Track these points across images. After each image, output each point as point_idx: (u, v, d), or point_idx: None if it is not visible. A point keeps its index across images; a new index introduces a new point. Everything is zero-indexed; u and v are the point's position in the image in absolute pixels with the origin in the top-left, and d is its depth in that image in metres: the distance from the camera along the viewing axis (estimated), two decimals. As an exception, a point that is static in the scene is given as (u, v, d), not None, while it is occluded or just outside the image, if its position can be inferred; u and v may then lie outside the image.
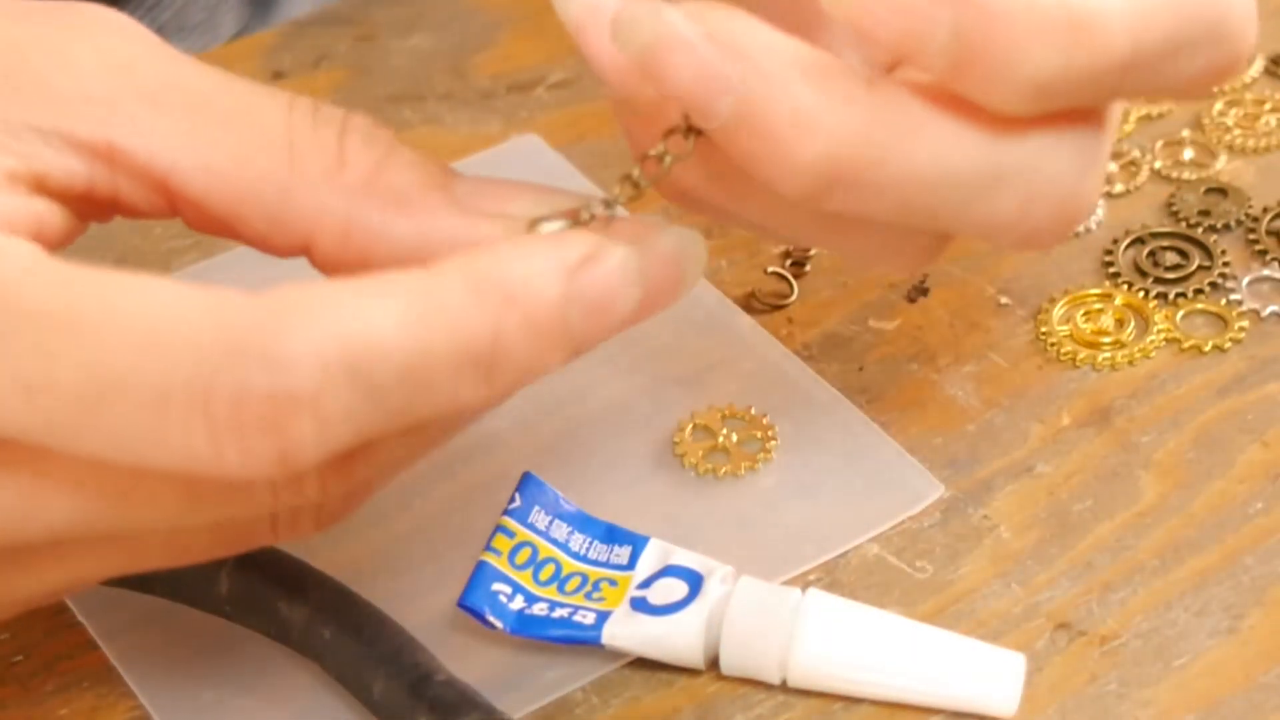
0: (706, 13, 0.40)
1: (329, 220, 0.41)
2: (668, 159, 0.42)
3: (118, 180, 0.41)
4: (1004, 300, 0.57)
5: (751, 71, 0.40)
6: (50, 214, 0.41)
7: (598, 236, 0.39)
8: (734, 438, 0.53)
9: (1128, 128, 0.62)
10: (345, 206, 0.40)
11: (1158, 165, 0.61)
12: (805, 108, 0.40)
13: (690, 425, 0.53)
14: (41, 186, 0.40)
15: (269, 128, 0.41)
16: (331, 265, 0.42)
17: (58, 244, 0.42)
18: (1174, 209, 0.59)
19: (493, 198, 0.42)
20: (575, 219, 0.42)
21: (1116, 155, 0.61)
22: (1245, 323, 0.56)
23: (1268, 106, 0.63)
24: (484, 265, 0.37)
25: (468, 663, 0.47)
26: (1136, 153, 0.61)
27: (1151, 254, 0.58)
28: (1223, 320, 0.56)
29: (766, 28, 0.40)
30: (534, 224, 0.41)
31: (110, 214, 0.43)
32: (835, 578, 0.50)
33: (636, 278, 0.39)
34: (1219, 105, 0.63)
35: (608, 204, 0.42)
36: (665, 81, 0.40)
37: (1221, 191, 0.60)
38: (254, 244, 0.42)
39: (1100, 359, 0.55)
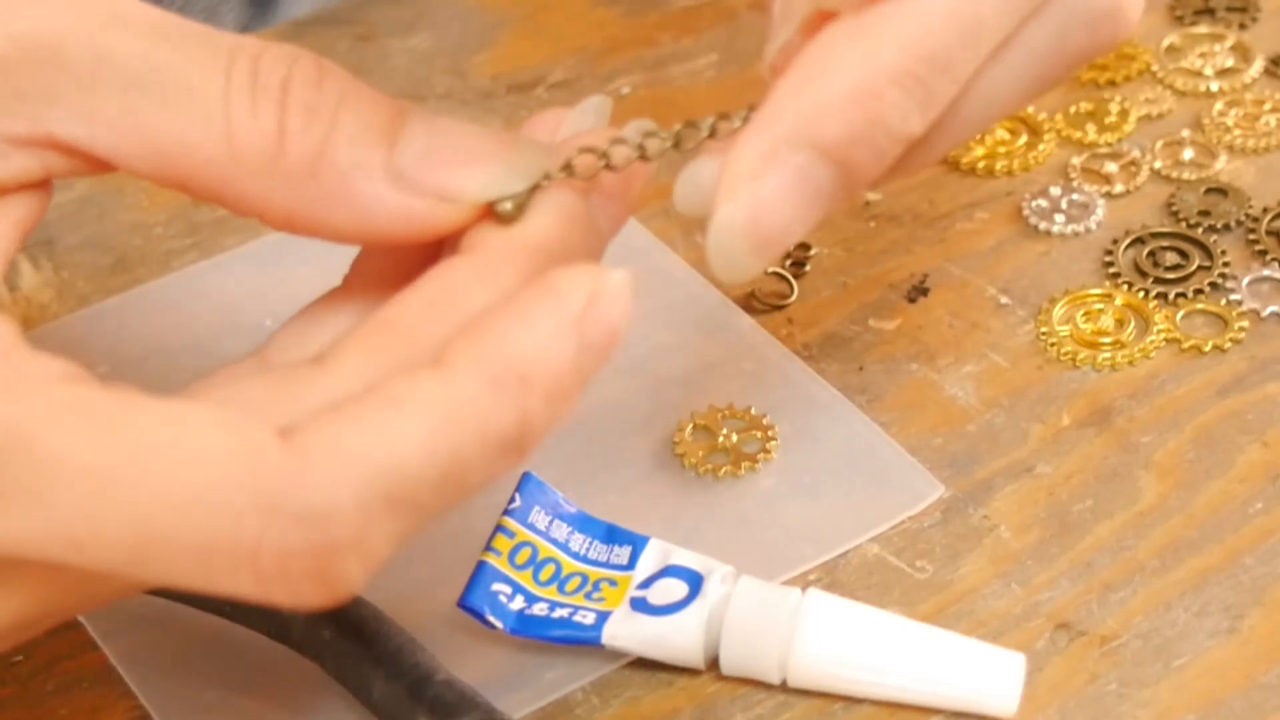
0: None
1: (271, 205, 0.40)
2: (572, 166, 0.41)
3: (73, 164, 0.41)
4: (1004, 300, 0.57)
5: (831, 128, 0.40)
6: (20, 206, 0.40)
7: (593, 268, 0.38)
8: (734, 438, 0.53)
9: (1128, 127, 0.62)
10: (284, 196, 0.40)
11: (1158, 165, 0.61)
12: (894, 98, 0.40)
13: (690, 425, 0.53)
14: (2, 190, 0.40)
15: (207, 109, 0.39)
16: (283, 231, 0.41)
17: (40, 216, 0.41)
18: (1174, 209, 0.59)
19: (443, 165, 0.40)
20: (538, 186, 0.41)
21: (1116, 155, 0.61)
22: (1245, 323, 0.56)
23: (1268, 106, 0.63)
24: (494, 351, 0.37)
25: (468, 663, 0.47)
26: (1136, 153, 0.61)
27: (1151, 254, 0.58)
28: (1223, 320, 0.56)
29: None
30: (494, 204, 0.40)
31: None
32: (835, 578, 0.50)
33: (632, 292, 0.39)
34: (1219, 105, 0.63)
35: (567, 168, 0.41)
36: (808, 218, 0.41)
37: (1221, 191, 0.60)
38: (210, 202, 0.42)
39: (1100, 359, 0.55)
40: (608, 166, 0.41)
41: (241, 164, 0.39)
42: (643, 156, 0.42)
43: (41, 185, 0.41)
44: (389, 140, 0.40)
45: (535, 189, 0.40)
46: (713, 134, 0.42)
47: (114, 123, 0.39)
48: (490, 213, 0.40)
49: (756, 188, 0.40)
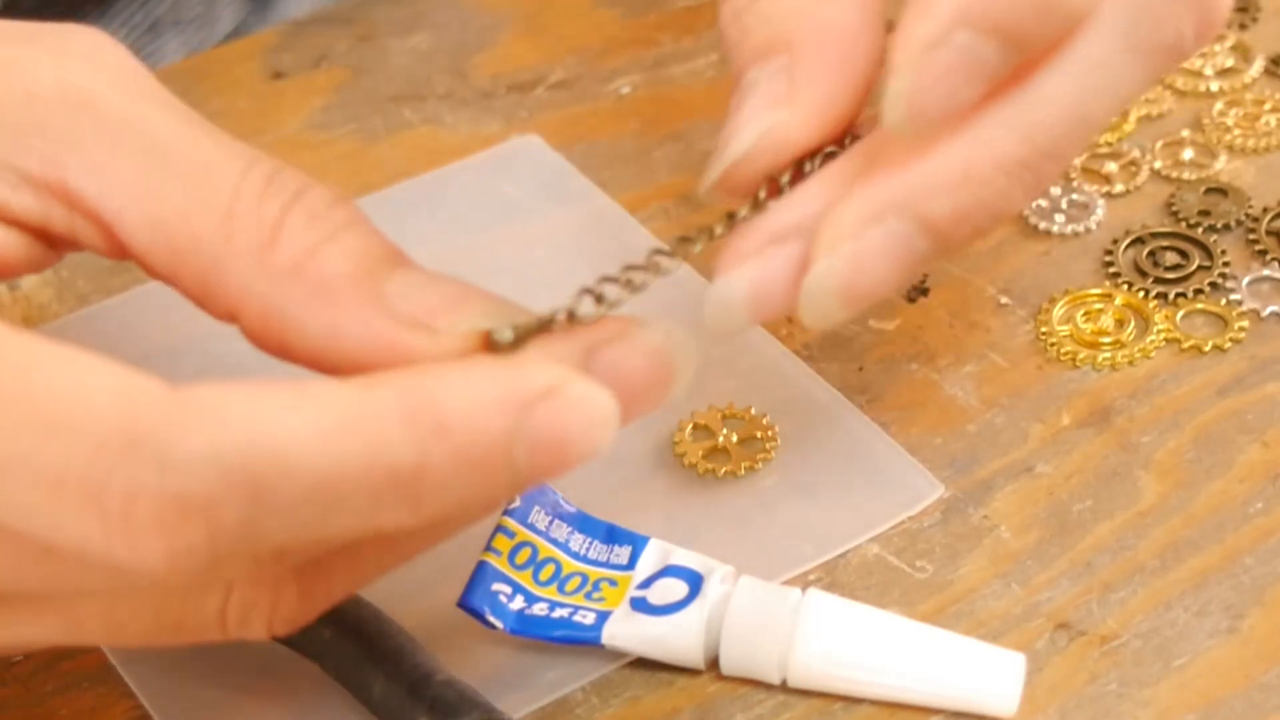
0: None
1: (250, 299, 0.39)
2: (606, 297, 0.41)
3: (74, 220, 0.40)
4: (1004, 300, 0.57)
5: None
6: (8, 241, 0.40)
7: (565, 370, 0.37)
8: (734, 438, 0.53)
9: (1128, 127, 0.62)
10: (266, 289, 0.39)
11: (1158, 165, 0.61)
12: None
13: (690, 425, 0.53)
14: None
15: (216, 189, 0.39)
16: (255, 341, 0.40)
17: (24, 269, 0.41)
18: (1174, 209, 0.59)
19: (432, 302, 0.40)
20: (545, 328, 0.39)
21: (1116, 155, 0.61)
22: (1245, 323, 0.56)
23: (1268, 106, 0.63)
24: (423, 387, 0.35)
25: (468, 663, 0.47)
26: (1136, 153, 0.61)
27: (1151, 254, 0.58)
28: (1223, 320, 0.56)
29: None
30: (489, 335, 0.39)
31: (73, 249, 0.42)
32: (835, 578, 0.50)
33: (606, 418, 0.37)
34: (1219, 105, 0.63)
35: (571, 316, 0.40)
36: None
37: (1221, 191, 0.60)
38: (194, 303, 0.41)
39: (1100, 359, 0.55)
40: (603, 305, 0.40)
41: (232, 246, 0.39)
42: (631, 290, 0.41)
43: (35, 236, 0.41)
44: (383, 268, 0.40)
45: (543, 326, 0.39)
46: (686, 248, 0.42)
47: (125, 184, 0.40)
48: (487, 346, 0.39)
49: (857, 246, 0.41)
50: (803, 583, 0.49)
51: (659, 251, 0.42)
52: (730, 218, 0.44)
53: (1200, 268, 0.57)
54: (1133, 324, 0.56)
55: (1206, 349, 0.55)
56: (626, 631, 0.47)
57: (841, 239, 0.41)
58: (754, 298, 0.43)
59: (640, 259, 0.42)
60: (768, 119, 0.43)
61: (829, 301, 0.42)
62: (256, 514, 0.35)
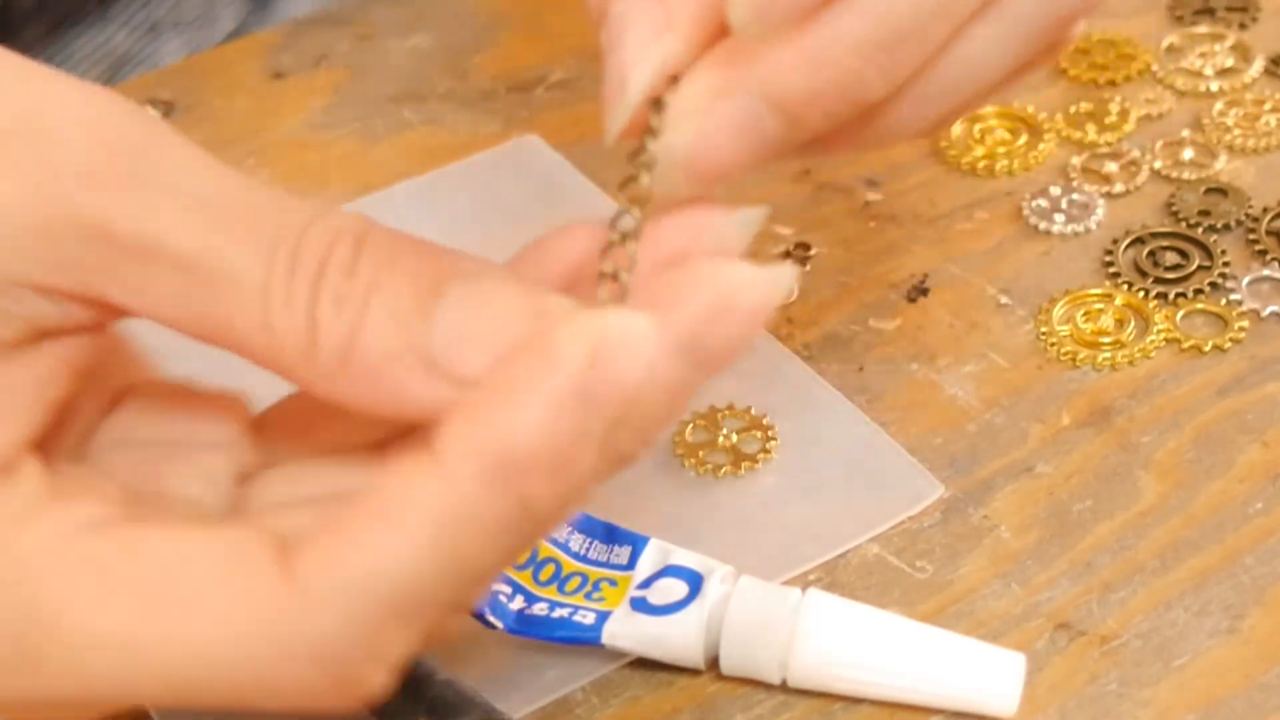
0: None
1: (315, 390, 0.39)
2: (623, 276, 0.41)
3: (122, 315, 0.40)
4: (1004, 300, 0.57)
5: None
6: (60, 355, 0.40)
7: (597, 319, 0.36)
8: (734, 438, 0.53)
9: (1128, 127, 0.62)
10: (323, 385, 0.39)
11: (1158, 165, 0.61)
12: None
13: (690, 425, 0.53)
14: (43, 334, 0.39)
15: (249, 297, 0.39)
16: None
17: (90, 362, 0.41)
18: (1174, 209, 0.59)
19: (476, 348, 0.39)
20: None
21: (1116, 155, 0.61)
22: (1245, 323, 0.56)
23: (1268, 106, 0.63)
24: (484, 438, 0.36)
25: (468, 663, 0.47)
26: (1136, 153, 0.61)
27: (1151, 254, 0.58)
28: (1223, 320, 0.56)
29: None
30: None
31: None
32: (835, 578, 0.50)
33: (647, 340, 0.36)
34: (1219, 105, 0.63)
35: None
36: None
37: (1221, 191, 0.60)
38: None
39: (1100, 359, 0.55)
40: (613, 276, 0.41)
41: (280, 354, 0.39)
42: (632, 239, 0.41)
43: (89, 331, 0.40)
44: (422, 316, 0.39)
45: None
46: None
47: (164, 301, 0.39)
48: None
49: (705, 120, 0.40)
50: (803, 583, 0.49)
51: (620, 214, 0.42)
52: (636, 155, 0.42)
53: (1200, 268, 0.57)
54: (1133, 324, 0.56)
55: (1206, 349, 0.55)
56: (626, 631, 0.47)
57: (689, 114, 0.40)
58: (695, 158, 0.41)
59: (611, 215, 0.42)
60: (658, 50, 0.41)
61: (675, 175, 0.41)
62: (410, 630, 0.37)
